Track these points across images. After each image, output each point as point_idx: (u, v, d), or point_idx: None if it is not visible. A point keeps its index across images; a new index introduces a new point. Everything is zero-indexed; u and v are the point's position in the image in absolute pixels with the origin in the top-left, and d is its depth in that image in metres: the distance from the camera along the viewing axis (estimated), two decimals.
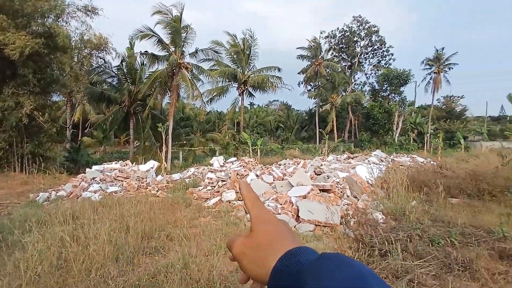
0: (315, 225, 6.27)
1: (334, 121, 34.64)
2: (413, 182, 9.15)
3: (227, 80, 27.56)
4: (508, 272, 3.95)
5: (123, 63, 23.46)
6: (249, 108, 52.00)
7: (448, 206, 7.34)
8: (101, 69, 22.08)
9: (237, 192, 8.23)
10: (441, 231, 5.54)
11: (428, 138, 31.71)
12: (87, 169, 11.44)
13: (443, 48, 35.24)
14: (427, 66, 36.37)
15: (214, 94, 27.35)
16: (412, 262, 4.33)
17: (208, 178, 10.08)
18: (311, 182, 8.09)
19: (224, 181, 9.67)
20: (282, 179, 9.24)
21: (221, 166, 12.33)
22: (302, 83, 39.46)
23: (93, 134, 31.90)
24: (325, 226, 6.22)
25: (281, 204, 7.03)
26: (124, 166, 11.78)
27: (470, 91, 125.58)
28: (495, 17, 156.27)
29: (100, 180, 10.38)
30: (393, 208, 7.02)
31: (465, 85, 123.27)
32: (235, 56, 26.97)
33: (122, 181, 10.37)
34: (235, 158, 14.31)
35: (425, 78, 36.81)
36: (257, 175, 9.81)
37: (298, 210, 6.67)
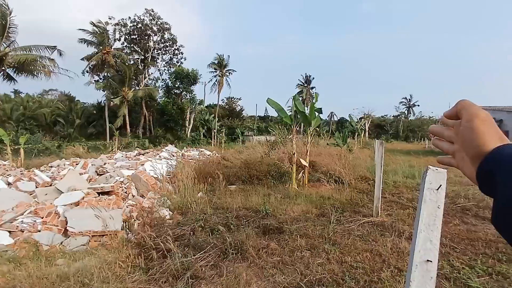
0: (90, 236, 5.21)
1: (127, 116, 32.46)
2: (200, 174, 9.63)
3: None
4: (269, 245, 4.58)
5: None
6: (12, 96, 40.32)
7: (228, 193, 8.12)
8: None
9: None
10: (221, 218, 5.94)
11: (215, 133, 35.60)
12: None
13: (223, 55, 40.51)
14: (213, 70, 40.76)
15: None
16: (194, 256, 4.27)
17: None
18: (87, 185, 6.79)
19: None
20: (51, 185, 7.31)
21: None
22: (88, 72, 34.45)
23: None
24: (103, 235, 5.28)
25: (42, 218, 5.42)
26: None
27: (245, 94, 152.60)
28: (263, 36, 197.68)
29: None
30: (180, 202, 6.98)
31: (242, 89, 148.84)
32: None
33: None
34: None
35: (211, 80, 41.13)
36: (9, 183, 7.30)
37: (67, 222, 5.34)
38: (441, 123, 0.61)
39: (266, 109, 72.85)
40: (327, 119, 75.36)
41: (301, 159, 9.15)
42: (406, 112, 75.36)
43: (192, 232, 5.22)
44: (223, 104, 55.21)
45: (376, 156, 6.65)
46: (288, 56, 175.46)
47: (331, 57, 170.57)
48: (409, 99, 76.47)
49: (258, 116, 70.51)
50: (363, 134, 33.92)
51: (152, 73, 41.98)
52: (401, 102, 76.85)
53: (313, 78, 61.96)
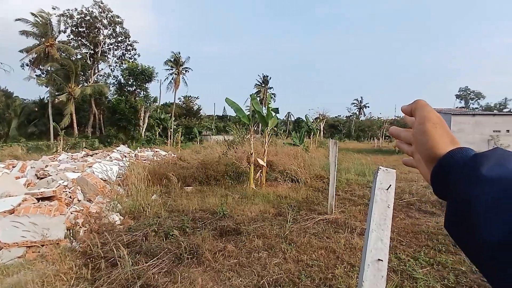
0: (27, 247, 4.69)
1: (74, 115, 30.18)
2: (154, 176, 9.22)
3: None
4: (226, 247, 4.49)
5: None
6: None
7: (184, 195, 7.87)
8: None
9: None
10: (176, 221, 5.71)
11: (172, 133, 34.53)
12: None
13: (179, 52, 39.47)
14: (169, 67, 39.51)
15: None
16: (146, 263, 4.04)
17: None
18: (25, 190, 6.13)
19: None
20: None
21: None
22: (28, 66, 31.41)
23: None
24: (43, 245, 4.79)
25: None
26: None
27: (203, 94, 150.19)
28: (221, 35, 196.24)
29: None
30: (132, 206, 6.60)
31: (200, 88, 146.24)
32: None
33: None
34: None
35: (167, 77, 39.83)
36: None
37: None
38: (403, 120, 0.62)
39: (224, 108, 72.44)
40: (285, 119, 76.96)
41: (258, 159, 9.17)
42: (357, 113, 79.71)
43: (144, 238, 4.94)
44: (180, 103, 53.78)
45: (330, 156, 6.87)
46: (247, 56, 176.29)
47: (289, 59, 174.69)
48: (360, 100, 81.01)
49: (217, 115, 69.89)
50: (318, 133, 35.15)
51: (102, 69, 39.56)
52: (353, 103, 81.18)
53: (270, 78, 62.98)
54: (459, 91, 73.00)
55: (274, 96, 65.00)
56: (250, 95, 8.64)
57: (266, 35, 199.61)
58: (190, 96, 54.90)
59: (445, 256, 4.20)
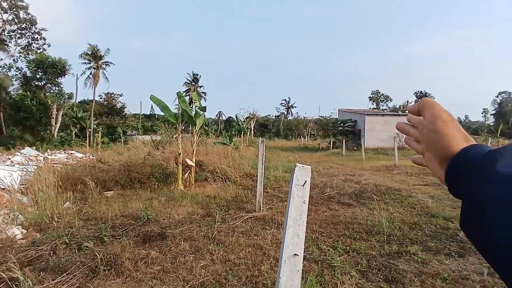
0: None
1: None
2: (67, 181, 8.24)
3: None
4: (149, 254, 4.21)
5: None
6: None
7: (104, 201, 7.20)
8: None
9: None
10: (93, 230, 5.17)
11: (91, 133, 31.46)
12: None
13: (97, 45, 36.19)
14: (86, 61, 35.88)
15: None
16: (53, 280, 3.54)
17: None
18: None
19: None
20: None
21: None
22: None
23: None
24: None
25: None
26: None
27: (129, 91, 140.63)
28: (146, 30, 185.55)
29: None
30: (38, 216, 5.77)
31: (125, 85, 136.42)
32: None
33: None
34: None
35: (84, 72, 36.12)
36: None
37: None
38: (407, 120, 0.59)
39: (152, 107, 68.92)
40: (216, 118, 76.63)
41: (187, 159, 8.89)
42: (285, 112, 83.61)
43: (52, 252, 4.35)
44: (101, 100, 49.35)
45: (258, 154, 7.01)
46: (176, 54, 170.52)
47: (220, 58, 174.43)
48: (287, 100, 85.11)
49: (143, 114, 66.11)
50: (249, 132, 35.82)
51: (2, 59, 33.96)
52: (281, 103, 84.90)
53: (201, 76, 62.06)
54: (371, 94, 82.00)
55: (205, 95, 64.23)
56: (177, 93, 8.31)
57: (196, 33, 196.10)
58: (113, 93, 50.83)
59: (359, 243, 4.62)
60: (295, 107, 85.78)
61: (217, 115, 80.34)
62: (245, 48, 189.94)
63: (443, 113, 0.49)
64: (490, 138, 24.92)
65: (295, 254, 1.61)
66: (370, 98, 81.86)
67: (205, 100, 65.01)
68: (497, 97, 76.19)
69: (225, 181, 9.57)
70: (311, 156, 22.86)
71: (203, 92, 63.40)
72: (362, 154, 19.83)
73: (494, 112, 75.55)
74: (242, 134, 30.82)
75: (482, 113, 77.20)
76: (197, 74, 61.79)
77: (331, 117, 37.02)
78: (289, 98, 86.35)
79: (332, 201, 7.40)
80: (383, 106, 79.47)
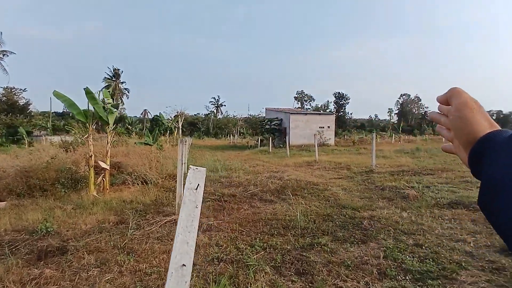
0: None
1: None
2: None
3: None
4: (42, 273, 3.65)
5: None
6: None
7: None
8: None
9: None
10: None
11: None
12: None
13: None
14: None
15: None
16: None
17: None
18: None
19: None
20: None
21: None
22: None
23: None
24: None
25: None
26: None
27: (35, 86, 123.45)
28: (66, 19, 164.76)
29: None
30: None
31: (31, 80, 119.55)
32: None
33: None
34: None
35: None
36: None
37: None
38: (437, 109, 0.61)
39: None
40: (141, 116, 72.38)
41: (100, 161, 8.08)
42: (215, 111, 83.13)
43: None
44: None
45: (178, 154, 6.71)
46: (93, 46, 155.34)
47: (145, 53, 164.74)
48: (217, 99, 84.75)
49: (55, 112, 58.90)
50: (176, 131, 34.54)
51: None
52: (211, 101, 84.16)
53: (122, 71, 57.85)
54: (296, 94, 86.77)
55: (128, 92, 59.95)
56: (84, 89, 7.44)
57: (117, 26, 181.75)
58: (13, 87, 43.86)
59: (276, 239, 4.73)
60: (225, 105, 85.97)
61: (142, 113, 75.82)
62: (173, 46, 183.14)
63: (470, 101, 0.51)
64: (394, 134, 28.54)
65: (183, 265, 1.48)
66: (296, 98, 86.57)
67: (128, 98, 60.70)
68: (399, 98, 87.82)
69: (145, 183, 8.99)
70: (240, 154, 23.11)
71: (125, 89, 59.05)
72: (287, 151, 20.75)
73: (397, 111, 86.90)
74: (168, 133, 29.59)
75: (388, 112, 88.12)
76: (119, 69, 57.32)
77: (259, 115, 37.96)
78: (218, 96, 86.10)
79: (254, 199, 7.50)
80: (307, 105, 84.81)
